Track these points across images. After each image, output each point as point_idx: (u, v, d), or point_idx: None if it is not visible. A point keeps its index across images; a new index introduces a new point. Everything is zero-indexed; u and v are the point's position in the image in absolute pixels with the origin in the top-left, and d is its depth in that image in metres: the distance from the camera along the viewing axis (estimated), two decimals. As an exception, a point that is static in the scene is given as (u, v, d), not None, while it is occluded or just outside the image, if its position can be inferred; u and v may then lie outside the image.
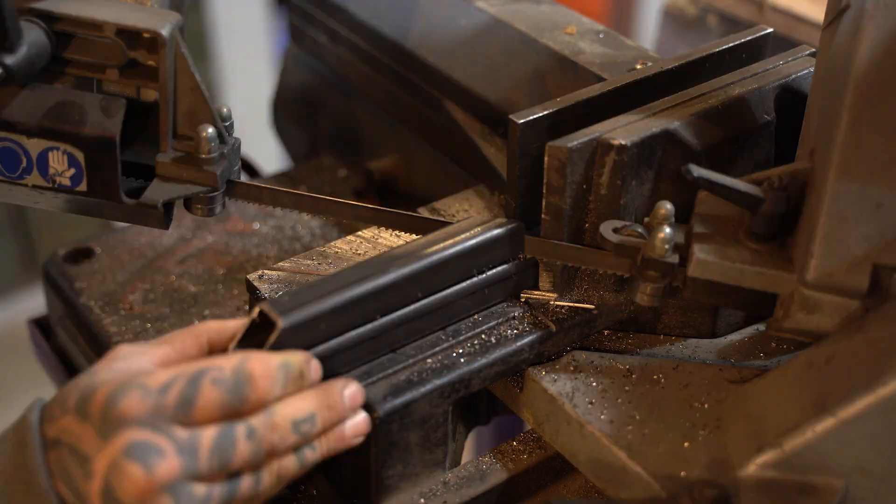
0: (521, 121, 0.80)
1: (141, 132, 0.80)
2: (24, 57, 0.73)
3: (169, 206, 0.81)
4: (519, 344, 0.80)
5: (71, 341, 1.04)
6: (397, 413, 0.75)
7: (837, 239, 0.69)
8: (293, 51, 1.25)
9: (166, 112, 0.79)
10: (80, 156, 0.77)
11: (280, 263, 0.87)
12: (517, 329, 0.81)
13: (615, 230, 0.78)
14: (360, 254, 0.88)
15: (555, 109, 0.82)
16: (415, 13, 1.06)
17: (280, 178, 1.18)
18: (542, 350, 0.82)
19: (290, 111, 1.28)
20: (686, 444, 0.73)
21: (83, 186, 0.79)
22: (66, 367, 1.07)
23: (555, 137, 0.80)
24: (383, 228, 0.91)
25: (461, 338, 0.80)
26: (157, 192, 0.80)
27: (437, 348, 0.79)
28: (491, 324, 0.82)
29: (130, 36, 0.76)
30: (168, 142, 0.80)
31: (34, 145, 0.77)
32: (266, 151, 2.77)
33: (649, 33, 2.96)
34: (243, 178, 1.25)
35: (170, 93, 0.78)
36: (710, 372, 0.80)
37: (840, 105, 0.70)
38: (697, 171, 0.72)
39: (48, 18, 0.76)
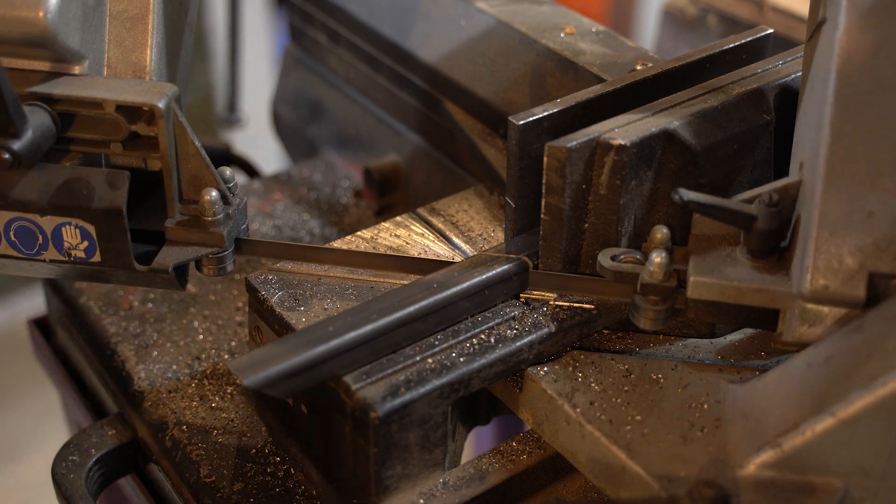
0: (521, 122, 0.80)
1: (152, 199, 0.83)
2: (29, 141, 0.75)
3: (181, 269, 0.84)
4: (518, 344, 0.80)
5: (71, 341, 1.04)
6: (397, 413, 0.75)
7: (831, 250, 0.69)
8: (293, 51, 1.25)
9: (170, 179, 0.81)
10: (91, 229, 0.80)
11: (279, 264, 0.87)
12: (517, 329, 0.81)
13: (613, 258, 0.80)
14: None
15: (555, 110, 0.82)
16: (415, 14, 1.06)
17: (280, 177, 1.18)
18: (542, 350, 0.82)
19: (290, 111, 1.28)
20: (686, 444, 0.73)
21: (97, 257, 0.82)
22: (66, 368, 1.07)
23: (554, 138, 0.80)
24: (382, 229, 0.91)
25: (460, 338, 0.80)
26: (167, 256, 0.83)
27: (437, 348, 0.79)
28: (490, 324, 0.82)
29: (129, 111, 0.79)
30: (175, 207, 0.83)
31: (48, 222, 0.80)
32: (266, 151, 2.78)
33: (649, 33, 2.96)
34: (243, 179, 1.26)
35: (172, 161, 0.81)
36: (710, 372, 0.80)
37: (823, 118, 0.71)
38: (687, 195, 0.73)
39: (49, 101, 0.78)
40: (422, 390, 0.76)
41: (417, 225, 0.92)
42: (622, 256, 0.80)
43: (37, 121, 0.76)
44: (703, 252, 0.77)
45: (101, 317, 0.99)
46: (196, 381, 0.93)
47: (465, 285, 0.81)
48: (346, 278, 0.85)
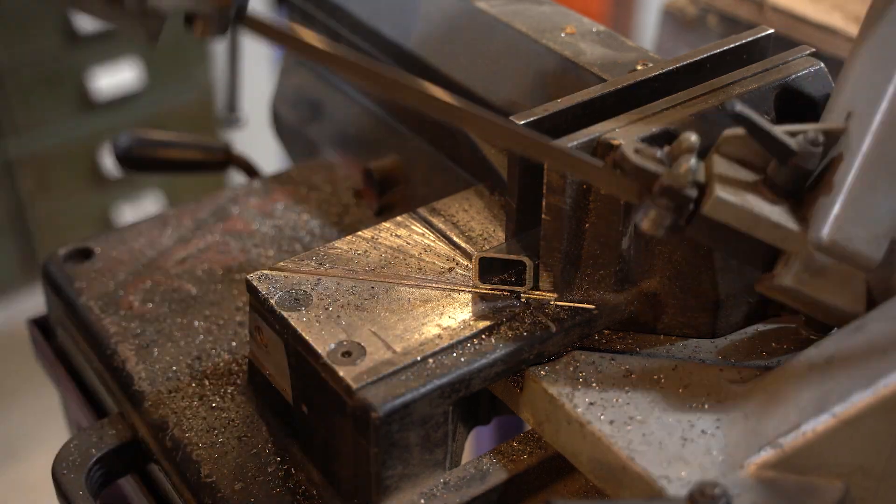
0: (522, 122, 0.80)
1: None
2: None
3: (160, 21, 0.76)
4: (519, 344, 0.80)
5: (71, 341, 1.04)
6: (397, 413, 0.75)
7: (864, 206, 0.67)
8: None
9: None
10: None
11: (280, 263, 0.87)
12: (517, 329, 0.81)
13: (636, 151, 0.75)
14: (360, 254, 0.88)
15: (555, 111, 0.82)
16: (415, 13, 1.06)
17: (280, 177, 1.18)
18: (543, 350, 0.82)
19: (290, 111, 1.28)
20: (686, 445, 0.73)
21: None
22: (66, 367, 1.07)
23: (555, 138, 0.80)
24: (382, 229, 0.91)
25: (461, 338, 0.80)
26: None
27: (438, 348, 0.79)
28: (491, 324, 0.82)
29: None
30: None
31: None
32: (266, 151, 2.78)
33: (649, 33, 2.96)
34: (241, 179, 1.26)
35: None
36: (710, 372, 0.80)
37: (892, 69, 0.68)
38: (740, 105, 0.71)
39: None
40: (422, 390, 0.76)
41: (418, 225, 0.92)
42: (643, 151, 0.75)
43: None
44: (726, 172, 0.74)
45: (102, 316, 0.99)
46: (196, 380, 0.93)
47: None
48: (346, 278, 0.85)
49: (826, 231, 0.68)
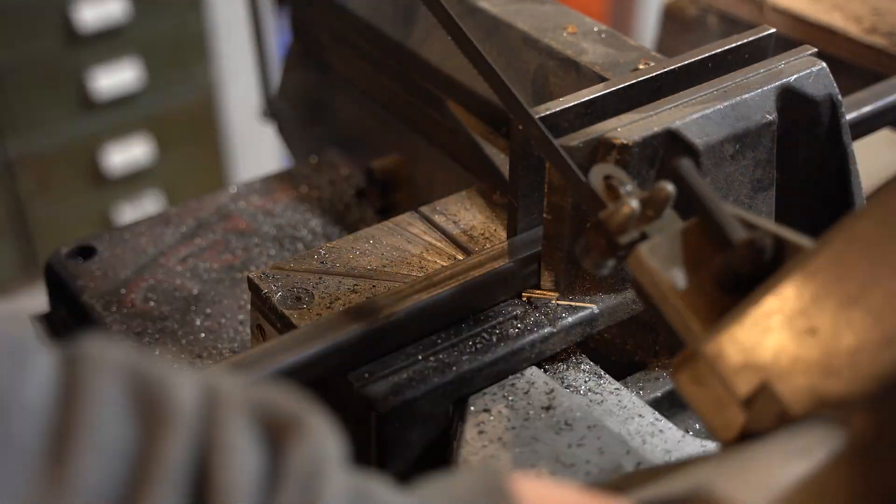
0: (523, 120, 0.80)
1: None
2: None
3: None
4: (520, 343, 0.80)
5: (72, 339, 1.04)
6: (399, 411, 0.75)
7: (754, 332, 0.59)
8: (295, 49, 1.25)
9: None
10: None
11: (282, 262, 0.87)
12: (518, 328, 0.81)
13: (606, 177, 0.69)
14: (361, 253, 0.88)
15: (557, 109, 0.82)
16: (416, 12, 1.06)
17: (282, 176, 1.18)
18: (544, 349, 0.82)
19: (292, 110, 1.28)
20: None
21: None
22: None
23: (557, 137, 0.80)
24: (385, 228, 0.91)
25: (463, 336, 0.81)
26: None
27: (439, 347, 0.80)
28: (492, 322, 0.82)
29: None
30: None
31: None
32: (267, 151, 2.78)
33: (649, 33, 2.96)
34: (242, 180, 1.25)
35: None
36: None
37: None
38: (685, 168, 0.65)
39: None
40: (424, 388, 0.76)
41: (420, 224, 0.92)
42: (612, 179, 0.69)
43: None
44: (685, 235, 0.66)
45: (104, 315, 0.99)
46: (198, 379, 0.93)
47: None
48: (348, 277, 0.85)
49: (710, 340, 0.60)
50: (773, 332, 0.59)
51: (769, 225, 0.63)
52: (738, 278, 0.62)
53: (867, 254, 0.58)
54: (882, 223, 0.58)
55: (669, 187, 0.66)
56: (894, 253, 0.57)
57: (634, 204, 0.66)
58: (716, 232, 0.63)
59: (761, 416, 0.58)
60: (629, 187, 0.68)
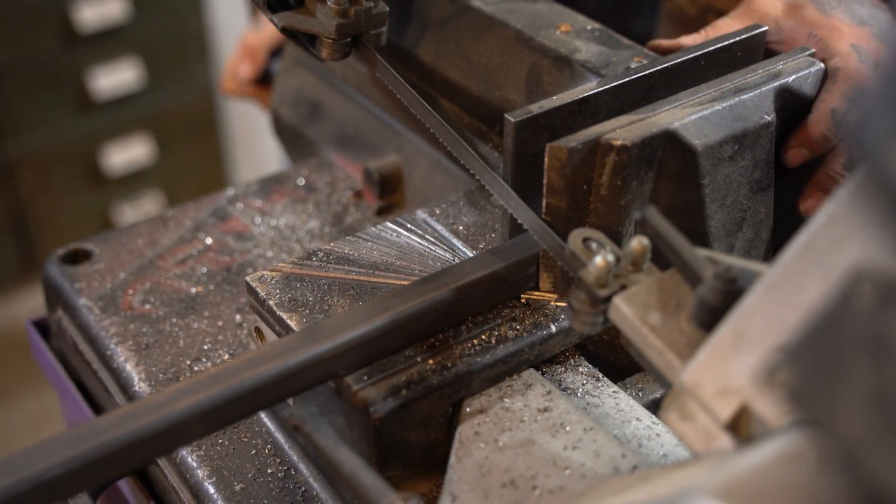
0: (517, 119, 0.80)
1: None
2: None
3: (293, 33, 0.94)
4: (519, 345, 0.80)
5: (70, 342, 1.04)
6: (398, 414, 0.75)
7: (726, 356, 0.60)
8: (292, 51, 1.25)
9: None
10: None
11: (280, 264, 0.87)
12: (517, 330, 0.81)
13: (585, 240, 0.74)
14: (359, 254, 0.88)
15: (551, 108, 0.81)
16: (410, 12, 1.06)
17: (279, 177, 1.18)
18: (543, 350, 0.82)
19: (289, 111, 1.28)
20: None
21: None
22: (66, 369, 1.06)
23: (551, 136, 0.80)
24: (383, 230, 0.91)
25: (461, 338, 0.80)
26: (292, 18, 0.94)
27: (438, 348, 0.79)
28: (491, 324, 0.82)
29: None
30: None
31: None
32: (266, 151, 2.78)
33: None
34: (241, 182, 1.25)
35: None
36: None
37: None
38: (650, 215, 0.67)
39: None
40: (422, 390, 0.76)
41: (417, 225, 0.91)
42: (595, 246, 0.73)
43: None
44: (661, 282, 0.68)
45: (102, 317, 0.99)
46: (196, 381, 0.92)
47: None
48: (346, 279, 0.85)
49: (686, 370, 0.61)
50: (743, 353, 0.59)
51: (737, 260, 0.65)
52: (713, 313, 0.63)
53: (819, 264, 0.58)
54: (829, 235, 0.58)
55: (644, 241, 0.70)
56: (842, 260, 0.57)
57: (610, 257, 0.69)
58: (687, 272, 0.66)
59: (748, 436, 0.59)
60: (607, 246, 0.72)
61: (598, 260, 0.69)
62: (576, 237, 0.74)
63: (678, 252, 0.66)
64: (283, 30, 0.94)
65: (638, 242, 0.70)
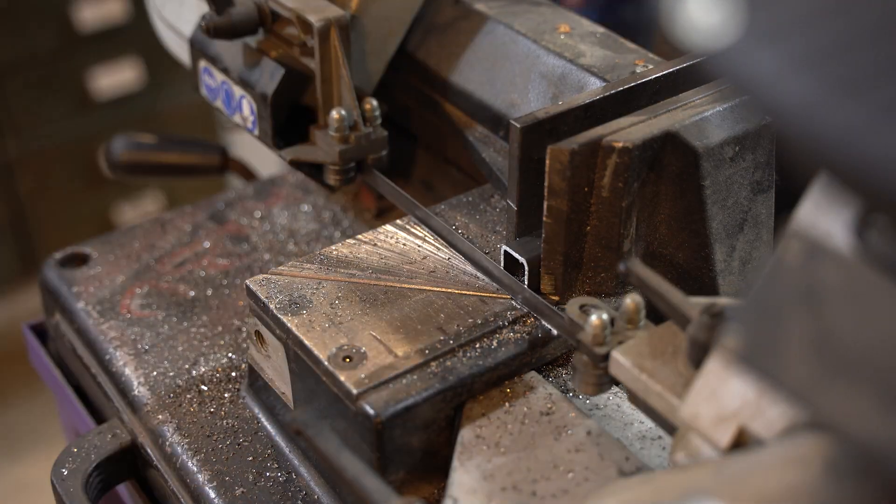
0: (523, 124, 0.80)
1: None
2: (224, 19, 0.95)
3: (303, 165, 0.98)
4: (521, 347, 0.80)
5: (69, 346, 1.03)
6: (400, 418, 0.75)
7: (716, 385, 0.61)
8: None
9: (315, 87, 0.96)
10: (253, 106, 0.98)
11: (279, 268, 0.86)
12: (519, 332, 0.81)
13: (581, 306, 0.76)
14: (359, 257, 0.87)
15: (556, 113, 0.81)
16: (412, 16, 1.06)
17: (277, 180, 1.18)
18: (545, 353, 0.81)
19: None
20: None
21: (256, 131, 1.00)
22: (64, 373, 1.06)
23: (556, 140, 0.79)
24: (382, 232, 0.90)
25: (462, 341, 0.80)
26: (298, 151, 0.98)
27: (439, 352, 0.79)
28: (492, 327, 0.81)
29: (304, 23, 0.94)
30: (321, 116, 0.97)
31: (237, 90, 1.01)
32: (264, 153, 2.77)
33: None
34: (239, 184, 1.25)
35: (317, 73, 0.94)
36: None
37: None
38: (633, 266, 0.68)
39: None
40: (425, 395, 0.76)
41: (417, 228, 0.91)
42: (587, 308, 0.75)
43: (240, 9, 0.96)
44: (657, 334, 0.70)
45: (100, 321, 0.99)
46: (195, 385, 0.92)
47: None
48: (346, 282, 0.85)
49: (683, 405, 0.62)
50: (733, 376, 0.60)
51: (721, 300, 0.67)
52: (705, 349, 0.65)
53: (790, 283, 0.58)
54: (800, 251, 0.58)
55: (638, 298, 0.72)
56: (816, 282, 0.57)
57: (605, 316, 0.71)
58: (676, 315, 0.67)
59: None
60: (602, 308, 0.74)
61: (594, 319, 0.71)
62: (573, 305, 0.76)
63: (665, 297, 0.68)
64: (292, 162, 0.98)
65: (631, 300, 0.72)
